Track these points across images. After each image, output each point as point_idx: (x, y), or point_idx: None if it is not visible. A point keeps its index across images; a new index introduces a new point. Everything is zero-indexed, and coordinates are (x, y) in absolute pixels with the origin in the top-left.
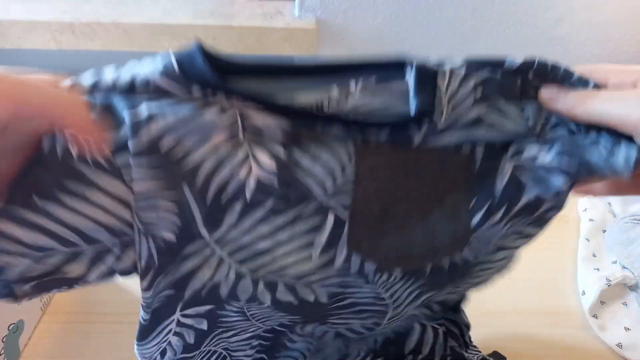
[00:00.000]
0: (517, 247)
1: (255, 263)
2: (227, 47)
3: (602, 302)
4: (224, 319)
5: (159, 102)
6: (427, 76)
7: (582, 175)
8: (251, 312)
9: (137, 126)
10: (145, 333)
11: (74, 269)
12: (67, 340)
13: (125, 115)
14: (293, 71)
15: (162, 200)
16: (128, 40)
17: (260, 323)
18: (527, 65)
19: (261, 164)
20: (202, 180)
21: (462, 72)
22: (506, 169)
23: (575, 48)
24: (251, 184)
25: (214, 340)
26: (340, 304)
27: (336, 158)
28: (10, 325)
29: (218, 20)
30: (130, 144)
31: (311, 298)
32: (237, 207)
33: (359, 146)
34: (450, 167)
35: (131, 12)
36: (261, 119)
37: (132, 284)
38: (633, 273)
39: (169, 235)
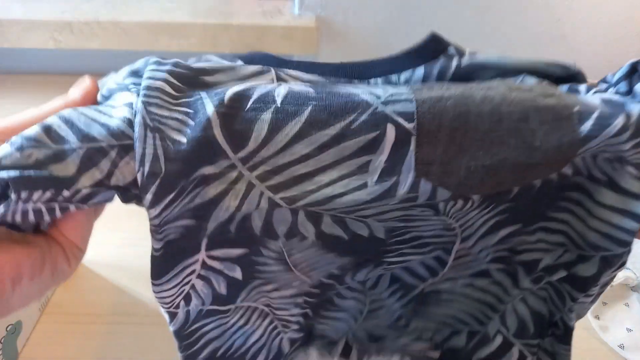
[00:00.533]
0: (633, 196)
1: (293, 191)
2: (226, 45)
3: (604, 303)
4: (261, 268)
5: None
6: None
7: None
8: (293, 258)
9: (163, 62)
10: (160, 269)
11: (62, 169)
12: (66, 341)
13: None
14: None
15: (174, 106)
16: (127, 40)
17: (304, 275)
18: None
19: (292, 82)
20: (222, 89)
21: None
22: (590, 95)
23: (576, 48)
24: (281, 91)
25: (251, 294)
26: (400, 238)
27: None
28: (8, 326)
29: (217, 18)
30: (151, 60)
31: (365, 232)
32: (266, 116)
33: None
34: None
35: (130, 11)
36: (293, 80)
37: (132, 284)
38: (635, 274)
39: (179, 137)
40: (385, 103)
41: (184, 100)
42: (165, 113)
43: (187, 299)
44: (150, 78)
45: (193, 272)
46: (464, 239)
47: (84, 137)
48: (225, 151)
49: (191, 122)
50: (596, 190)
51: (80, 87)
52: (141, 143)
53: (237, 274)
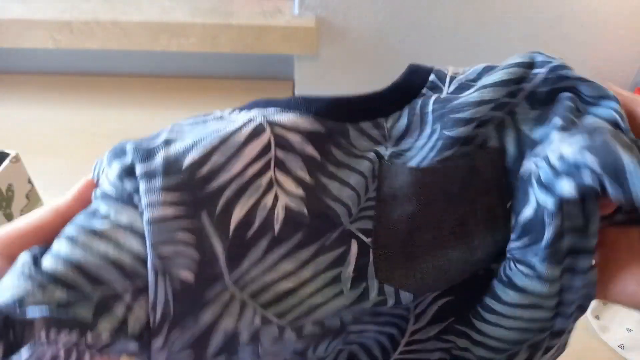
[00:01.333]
0: (533, 294)
1: (281, 306)
2: (226, 45)
3: (604, 303)
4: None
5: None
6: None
7: (598, 186)
8: (264, 350)
9: (150, 152)
10: None
11: (83, 312)
12: None
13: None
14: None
15: (180, 232)
16: (126, 39)
17: (271, 357)
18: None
19: (287, 190)
20: (222, 207)
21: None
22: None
23: (576, 48)
24: (279, 215)
25: None
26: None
27: (362, 176)
28: None
29: (217, 18)
30: (138, 166)
31: (337, 324)
32: (263, 243)
33: (383, 164)
34: (480, 167)
35: (130, 11)
36: (291, 132)
37: None
38: None
39: (187, 275)
40: (353, 221)
41: (186, 226)
42: (171, 249)
43: None
44: (150, 206)
45: None
46: (417, 318)
47: (96, 281)
48: (223, 274)
49: (196, 256)
50: (502, 290)
51: (74, 189)
52: (153, 290)
53: None
